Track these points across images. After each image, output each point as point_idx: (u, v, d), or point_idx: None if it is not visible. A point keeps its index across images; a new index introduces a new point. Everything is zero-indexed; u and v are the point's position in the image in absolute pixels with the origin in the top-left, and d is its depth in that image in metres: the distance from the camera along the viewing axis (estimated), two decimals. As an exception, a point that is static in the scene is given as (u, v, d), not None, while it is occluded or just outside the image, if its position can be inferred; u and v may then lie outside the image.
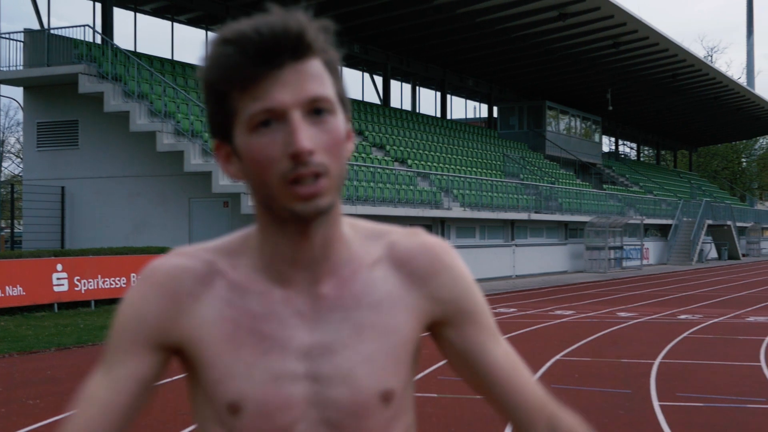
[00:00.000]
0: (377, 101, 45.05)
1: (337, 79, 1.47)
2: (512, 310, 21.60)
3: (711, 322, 18.82)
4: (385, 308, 1.52)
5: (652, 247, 50.72)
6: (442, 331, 1.59)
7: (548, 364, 12.64)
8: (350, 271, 1.53)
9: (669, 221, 52.68)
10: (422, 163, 35.72)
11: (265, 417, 1.46)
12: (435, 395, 9.95)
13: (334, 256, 1.52)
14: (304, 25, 1.41)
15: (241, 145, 1.44)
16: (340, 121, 1.45)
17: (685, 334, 16.38)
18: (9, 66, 28.58)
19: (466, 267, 1.61)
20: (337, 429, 1.48)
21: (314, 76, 1.41)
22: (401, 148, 35.96)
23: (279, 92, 1.39)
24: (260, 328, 1.48)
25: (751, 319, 19.56)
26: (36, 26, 31.61)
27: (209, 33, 37.54)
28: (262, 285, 1.51)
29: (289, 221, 1.46)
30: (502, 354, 1.60)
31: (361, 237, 1.57)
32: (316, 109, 1.42)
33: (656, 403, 9.79)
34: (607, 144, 73.82)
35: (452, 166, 37.89)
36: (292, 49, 1.40)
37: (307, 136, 1.39)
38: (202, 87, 1.46)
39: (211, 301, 1.50)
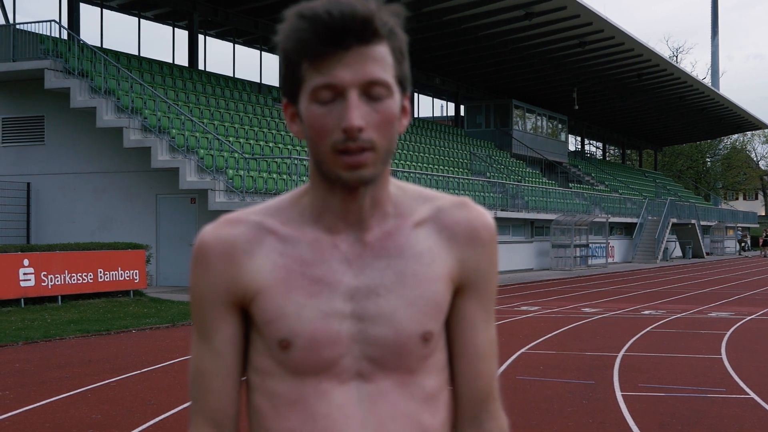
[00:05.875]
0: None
1: (402, 62, 1.64)
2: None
3: (674, 317, 19.08)
4: (426, 260, 1.67)
5: (617, 245, 51.17)
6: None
7: (513, 357, 12.78)
8: (395, 225, 1.68)
9: (634, 220, 53.11)
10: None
11: (313, 351, 1.62)
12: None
13: (381, 212, 1.67)
14: (373, 11, 1.57)
15: (303, 111, 1.60)
16: (394, 102, 1.60)
17: (648, 329, 16.61)
18: (-26, 61, 28.36)
19: (498, 250, 1.74)
20: (378, 364, 1.63)
21: (376, 60, 1.57)
22: (369, 146, 35.91)
23: (341, 71, 1.55)
24: (311, 273, 1.64)
25: (714, 314, 19.84)
26: (1, 21, 31.44)
27: (175, 28, 37.46)
28: (311, 235, 1.66)
29: (337, 183, 1.61)
30: (483, 338, 1.73)
31: (409, 198, 1.71)
32: (373, 92, 1.57)
33: (619, 393, 9.97)
34: (573, 143, 74.34)
35: (419, 164, 38.03)
36: (358, 32, 1.55)
37: (359, 114, 1.55)
38: (279, 51, 1.61)
39: (264, 254, 1.66)
